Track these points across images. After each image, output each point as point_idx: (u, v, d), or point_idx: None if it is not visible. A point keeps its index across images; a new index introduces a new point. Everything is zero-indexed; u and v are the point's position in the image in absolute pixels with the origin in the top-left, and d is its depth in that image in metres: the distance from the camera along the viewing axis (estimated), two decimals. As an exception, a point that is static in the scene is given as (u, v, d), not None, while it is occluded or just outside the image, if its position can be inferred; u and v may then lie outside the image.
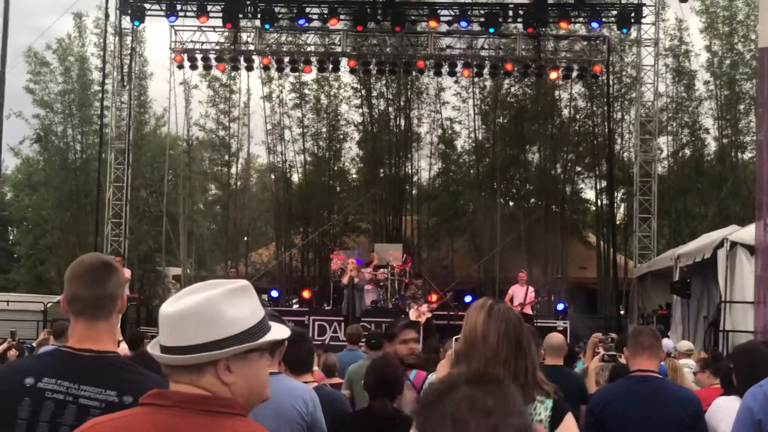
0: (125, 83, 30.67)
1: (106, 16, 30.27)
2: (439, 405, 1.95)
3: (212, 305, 2.54)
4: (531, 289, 23.96)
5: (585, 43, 31.06)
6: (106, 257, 3.67)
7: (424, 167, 38.34)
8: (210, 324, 2.53)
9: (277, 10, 29.30)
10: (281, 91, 36.32)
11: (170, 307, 2.54)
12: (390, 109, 36.94)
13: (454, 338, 7.43)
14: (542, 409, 4.03)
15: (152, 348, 2.60)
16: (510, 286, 24.41)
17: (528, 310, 23.42)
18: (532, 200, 37.73)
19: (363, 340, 14.16)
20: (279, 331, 2.68)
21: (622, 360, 8.51)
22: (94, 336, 3.44)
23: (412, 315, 23.49)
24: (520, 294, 23.50)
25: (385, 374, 5.75)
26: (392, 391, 5.73)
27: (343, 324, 22.94)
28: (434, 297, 26.10)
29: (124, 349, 11.68)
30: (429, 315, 23.18)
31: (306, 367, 5.98)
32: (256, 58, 31.12)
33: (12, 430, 3.23)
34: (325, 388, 6.27)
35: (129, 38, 30.95)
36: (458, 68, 30.87)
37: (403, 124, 36.82)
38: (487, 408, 1.91)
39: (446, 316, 23.82)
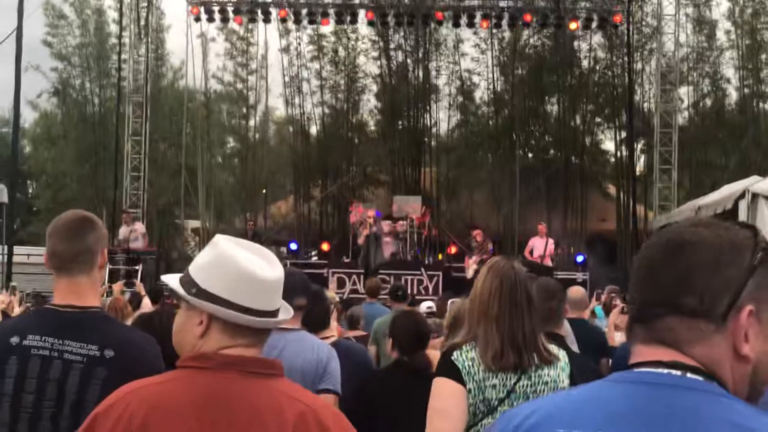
0: (142, 36, 30.58)
1: (123, -32, 30.17)
2: None
3: None
4: (551, 241, 23.92)
5: (605, -8, 30.77)
6: (86, 213, 3.75)
7: (443, 119, 38.21)
8: None
9: (294, -39, 29.15)
10: (299, 44, 36.17)
11: (272, 272, 2.60)
12: (408, 60, 36.72)
13: (450, 301, 7.41)
14: (564, 376, 4.01)
15: (248, 317, 2.57)
16: (530, 238, 24.39)
17: (548, 262, 23.40)
18: (552, 152, 37.53)
19: (384, 293, 14.19)
20: None
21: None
22: (77, 291, 3.51)
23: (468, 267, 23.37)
24: (540, 246, 23.48)
25: (422, 327, 5.78)
26: (426, 344, 5.77)
27: (362, 277, 23.01)
28: (454, 249, 26.12)
29: (147, 303, 11.75)
30: (476, 267, 23.01)
31: (322, 324, 5.99)
32: (273, 11, 30.96)
33: (1, 389, 3.29)
34: (344, 341, 6.25)
35: (146, -10, 30.85)
36: (477, 19, 30.65)
37: (421, 75, 36.61)
38: None
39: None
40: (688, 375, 1.77)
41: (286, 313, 2.66)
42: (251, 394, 2.46)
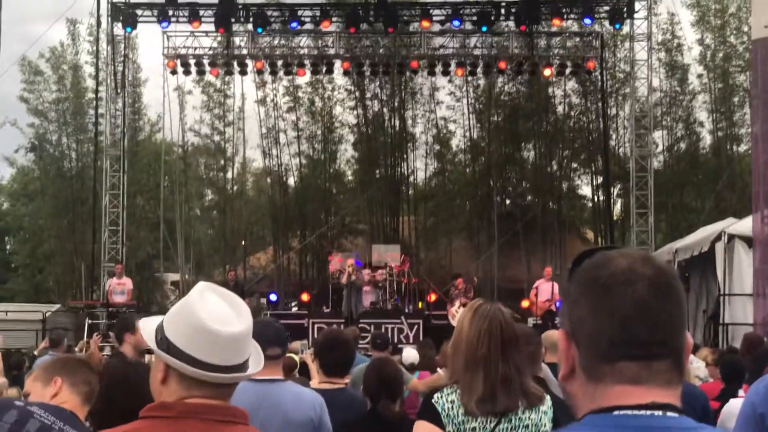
0: (119, 90, 30.60)
1: (98, 23, 30.19)
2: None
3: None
4: (556, 284, 22.94)
5: (578, 39, 30.99)
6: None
7: (420, 167, 38.37)
8: None
9: (269, 13, 29.26)
10: (275, 95, 36.32)
11: (234, 327, 2.52)
12: (384, 109, 36.90)
13: None
14: (546, 420, 3.97)
15: (214, 373, 2.52)
16: (509, 285, 24.29)
17: (554, 307, 22.69)
18: (529, 198, 37.68)
19: (364, 342, 14.15)
20: None
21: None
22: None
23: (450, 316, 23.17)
24: (545, 289, 22.88)
25: (386, 375, 5.59)
26: (394, 393, 5.57)
27: (342, 326, 22.91)
28: (434, 297, 26.10)
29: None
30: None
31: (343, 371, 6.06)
32: (249, 62, 31.03)
33: None
34: (348, 390, 6.17)
35: (122, 45, 30.90)
36: (451, 68, 30.82)
37: (397, 124, 36.80)
38: None
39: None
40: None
41: (256, 365, 2.61)
42: None
